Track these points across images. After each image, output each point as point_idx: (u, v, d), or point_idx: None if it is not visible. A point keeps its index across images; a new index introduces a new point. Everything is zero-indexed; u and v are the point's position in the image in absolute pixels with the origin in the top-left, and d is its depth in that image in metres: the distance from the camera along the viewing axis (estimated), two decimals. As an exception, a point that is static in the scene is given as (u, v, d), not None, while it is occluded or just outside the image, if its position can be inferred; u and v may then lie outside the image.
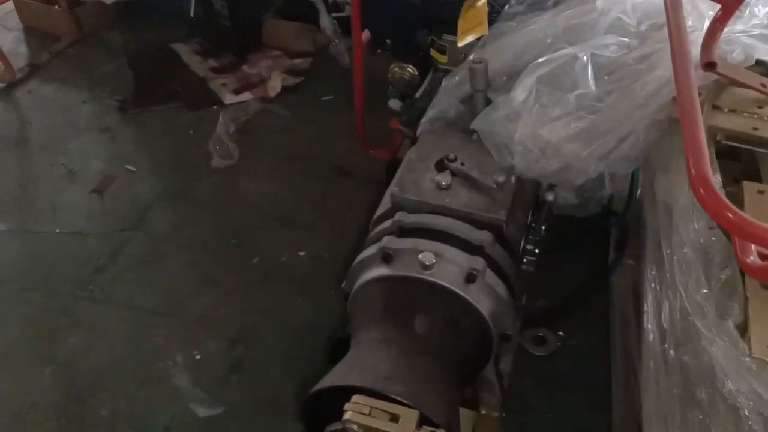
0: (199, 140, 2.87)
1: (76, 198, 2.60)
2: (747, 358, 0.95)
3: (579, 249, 2.05)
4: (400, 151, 2.35)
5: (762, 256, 0.96)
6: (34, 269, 2.31)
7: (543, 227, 1.74)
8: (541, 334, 1.89)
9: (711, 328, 1.03)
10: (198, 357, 2.01)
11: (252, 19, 3.48)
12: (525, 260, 1.66)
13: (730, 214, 0.89)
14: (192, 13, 3.30)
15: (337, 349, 1.56)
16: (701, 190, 0.92)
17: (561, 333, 1.94)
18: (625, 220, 1.93)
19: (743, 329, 1.02)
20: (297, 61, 3.42)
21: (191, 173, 2.72)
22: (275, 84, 3.23)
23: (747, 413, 0.94)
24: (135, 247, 2.38)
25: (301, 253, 2.34)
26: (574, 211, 1.82)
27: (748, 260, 0.97)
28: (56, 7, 3.53)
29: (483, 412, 1.55)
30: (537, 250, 1.68)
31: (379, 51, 2.78)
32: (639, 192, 1.83)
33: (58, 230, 2.45)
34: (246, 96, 3.18)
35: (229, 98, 3.16)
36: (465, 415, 1.53)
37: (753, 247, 0.97)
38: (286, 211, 2.53)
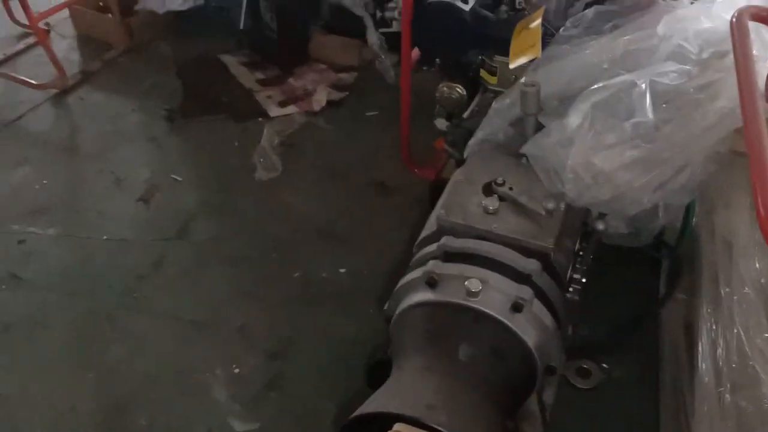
0: (244, 152, 2.89)
1: (123, 206, 2.63)
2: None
3: (628, 280, 1.99)
4: (444, 171, 2.34)
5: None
6: (80, 275, 2.34)
7: (591, 256, 1.70)
8: (585, 366, 1.84)
9: (774, 376, 0.98)
10: (237, 371, 2.00)
11: (299, 33, 3.51)
12: (571, 289, 1.62)
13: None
14: (242, 25, 3.34)
15: (376, 371, 1.54)
16: (769, 228, 0.88)
17: (605, 365, 1.89)
18: (677, 252, 1.87)
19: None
20: (342, 75, 3.43)
21: (235, 184, 2.74)
22: (320, 98, 3.24)
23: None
24: (178, 257, 2.40)
25: (342, 270, 2.33)
26: (624, 241, 1.77)
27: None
28: (110, 15, 3.60)
29: (524, 445, 1.52)
30: (584, 280, 1.65)
31: (425, 68, 2.78)
32: (694, 224, 1.78)
33: (104, 237, 2.49)
34: (291, 109, 3.20)
35: (274, 111, 3.18)
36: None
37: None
38: (328, 225, 2.52)
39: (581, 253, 1.68)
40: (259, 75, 3.44)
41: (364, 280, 2.28)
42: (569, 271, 1.61)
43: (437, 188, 1.90)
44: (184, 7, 3.59)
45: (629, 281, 2.00)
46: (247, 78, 3.42)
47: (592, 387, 1.81)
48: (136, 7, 3.65)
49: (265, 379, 1.98)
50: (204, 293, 2.26)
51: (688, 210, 1.77)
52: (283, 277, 2.30)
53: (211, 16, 3.64)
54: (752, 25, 1.39)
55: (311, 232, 2.49)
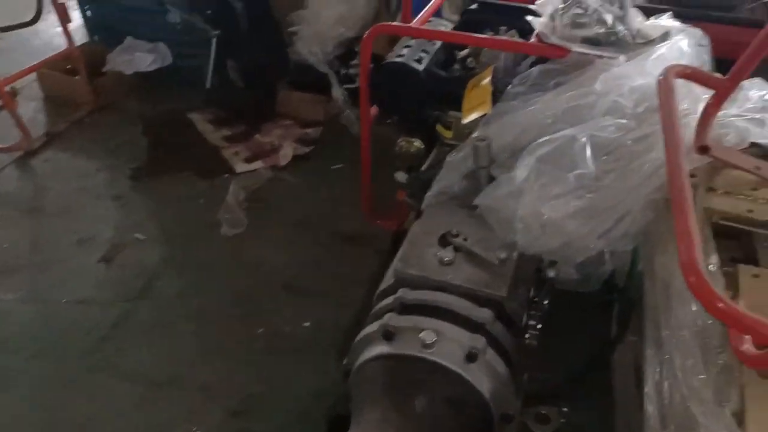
0: (209, 208, 2.92)
1: (85, 266, 2.63)
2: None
3: (583, 324, 2.04)
4: (406, 222, 2.39)
5: (756, 345, 0.96)
6: (43, 338, 2.33)
7: (545, 302, 1.75)
8: (544, 412, 1.86)
9: (708, 416, 1.02)
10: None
11: (266, 90, 3.60)
12: (528, 335, 1.66)
13: (720, 305, 0.90)
14: (208, 84, 3.41)
15: (336, 426, 1.55)
16: (692, 278, 0.93)
17: (565, 409, 1.91)
18: (627, 295, 1.92)
19: (740, 417, 1.02)
20: (308, 130, 3.51)
21: (200, 241, 2.76)
22: (286, 153, 3.31)
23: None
24: (140, 316, 2.40)
25: (305, 324, 2.35)
26: (576, 286, 1.82)
27: (742, 348, 0.97)
28: (77, 77, 3.65)
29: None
30: (539, 325, 1.69)
31: (388, 121, 2.86)
32: (640, 267, 1.83)
33: (66, 299, 2.48)
34: (257, 164, 3.25)
35: (240, 167, 3.23)
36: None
37: (747, 336, 0.97)
38: (293, 279, 2.55)
39: (535, 299, 1.72)
40: (226, 132, 3.50)
41: (327, 333, 2.30)
42: (524, 318, 1.65)
43: (399, 238, 1.95)
44: (152, 68, 3.67)
45: (584, 325, 2.04)
46: (213, 135, 3.48)
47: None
48: (104, 69, 3.71)
49: (227, 438, 1.98)
50: (167, 352, 2.26)
51: (635, 254, 1.83)
52: (247, 332, 2.31)
53: (178, 75, 3.73)
54: (683, 81, 1.48)
55: (276, 286, 2.51)
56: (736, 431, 0.98)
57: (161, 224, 2.89)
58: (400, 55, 2.06)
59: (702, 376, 1.11)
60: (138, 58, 3.70)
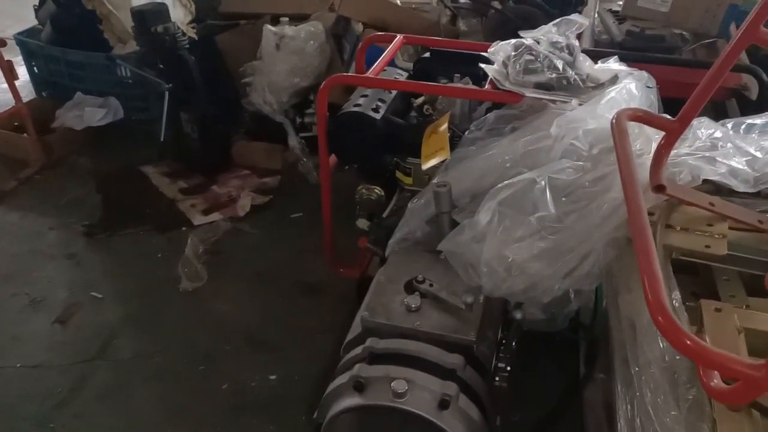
0: (168, 263, 2.86)
1: (39, 329, 2.54)
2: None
3: (552, 364, 2.05)
4: (369, 269, 2.39)
5: (725, 380, 0.98)
6: (-6, 407, 2.23)
7: (513, 343, 1.75)
8: (517, 454, 1.86)
9: (683, 453, 1.03)
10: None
11: (221, 141, 3.58)
12: (498, 378, 1.66)
13: (688, 342, 0.92)
14: (162, 137, 3.37)
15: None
16: (659, 318, 0.95)
17: (538, 451, 1.91)
18: (592, 333, 1.95)
19: (715, 452, 1.03)
20: (266, 179, 3.49)
21: (159, 298, 2.69)
22: (244, 203, 3.28)
23: None
24: (99, 379, 2.31)
25: (272, 377, 2.30)
26: (543, 327, 1.84)
27: (711, 384, 0.99)
28: (25, 135, 3.58)
29: None
30: (509, 367, 1.69)
31: (347, 168, 2.87)
32: (604, 306, 1.86)
33: (19, 364, 2.38)
34: (215, 216, 3.21)
35: (198, 219, 3.19)
36: None
37: (715, 371, 0.99)
38: (256, 332, 2.50)
39: (504, 341, 1.72)
40: (182, 184, 3.46)
41: (295, 386, 2.25)
42: (494, 361, 1.65)
43: (363, 286, 1.94)
44: (103, 122, 3.63)
45: (553, 365, 2.06)
46: (169, 188, 3.44)
47: (527, 475, 1.83)
48: (54, 125, 3.66)
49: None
50: (127, 416, 2.17)
51: (597, 292, 1.86)
52: (212, 389, 2.25)
53: (131, 129, 3.69)
54: (635, 123, 1.54)
55: (240, 341, 2.46)
56: (712, 467, 0.99)
57: (118, 281, 2.81)
58: (357, 105, 2.08)
59: (674, 413, 1.12)
60: (88, 113, 3.66)
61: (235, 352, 2.41)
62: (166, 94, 3.28)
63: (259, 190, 3.41)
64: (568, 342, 1.99)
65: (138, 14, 3.16)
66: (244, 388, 2.26)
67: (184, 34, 3.33)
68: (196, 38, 3.54)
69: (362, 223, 2.26)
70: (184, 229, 3.11)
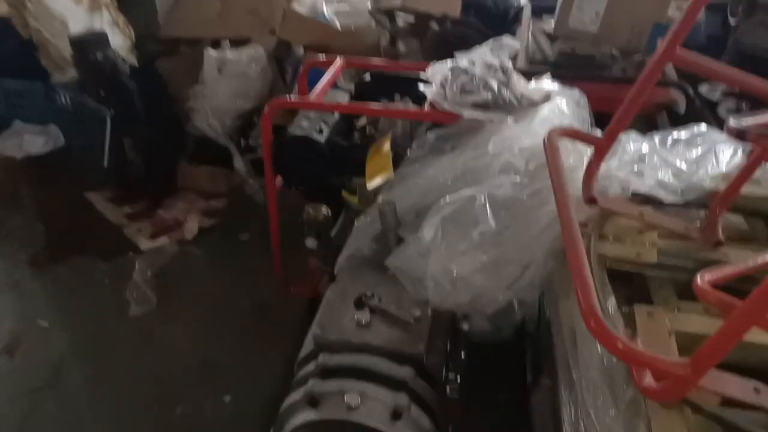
0: (116, 289, 2.83)
1: (-15, 362, 2.48)
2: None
3: (500, 373, 2.12)
4: (320, 287, 2.42)
5: (656, 379, 1.06)
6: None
7: (462, 355, 1.81)
8: (470, 463, 1.91)
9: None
10: None
11: (166, 165, 3.56)
12: (449, 389, 1.71)
13: (619, 345, 0.99)
14: (105, 163, 3.34)
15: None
16: (591, 322, 1.02)
17: (491, 458, 1.97)
18: (537, 340, 2.02)
19: (650, 446, 1.10)
20: (212, 202, 3.49)
21: (107, 324, 2.66)
22: (191, 226, 3.26)
23: None
24: (49, 408, 2.27)
25: (226, 398, 2.30)
26: (489, 337, 1.90)
27: (644, 384, 1.06)
28: (-39, 165, 3.50)
29: None
30: (459, 378, 1.75)
31: (292, 188, 2.90)
32: (547, 315, 1.94)
33: (-37, 399, 2.32)
34: (162, 240, 3.19)
35: (145, 244, 3.16)
36: None
37: (647, 370, 1.07)
38: (209, 355, 2.50)
39: (453, 352, 1.78)
40: (127, 209, 3.42)
41: (250, 405, 2.26)
42: (444, 372, 1.71)
43: (315, 304, 1.97)
44: (44, 150, 3.58)
45: (501, 374, 2.12)
46: (114, 213, 3.39)
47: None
48: (-9, 154, 3.58)
49: None
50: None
51: (541, 302, 1.94)
52: (166, 414, 2.24)
53: (72, 156, 3.64)
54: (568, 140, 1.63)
55: (191, 364, 2.45)
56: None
57: (65, 309, 2.76)
58: (301, 127, 2.12)
59: (612, 412, 1.19)
60: (27, 141, 3.60)
61: (188, 375, 2.40)
62: (108, 120, 3.25)
63: (206, 213, 3.40)
64: (513, 351, 2.06)
65: (77, 42, 3.13)
66: (198, 411, 2.25)
67: (124, 60, 3.32)
68: (137, 64, 3.52)
69: (311, 243, 2.29)
70: (130, 254, 3.08)
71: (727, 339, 0.93)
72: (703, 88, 2.82)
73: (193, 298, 2.81)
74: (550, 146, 1.44)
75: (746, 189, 1.54)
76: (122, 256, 3.07)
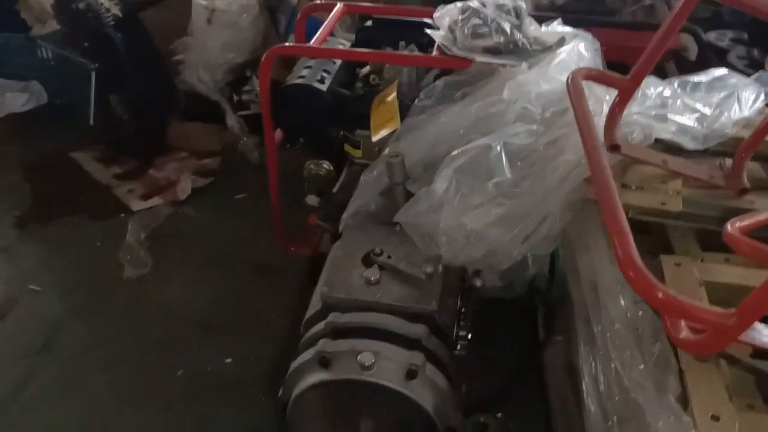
0: (109, 251, 2.75)
1: (-23, 325, 2.41)
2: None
3: (511, 330, 2.08)
4: (320, 246, 2.35)
5: (693, 331, 1.00)
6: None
7: (473, 312, 1.76)
8: (482, 420, 1.87)
9: (653, 404, 1.05)
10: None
11: (155, 123, 3.44)
12: (459, 346, 1.66)
13: (660, 295, 0.92)
14: (91, 120, 3.22)
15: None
16: (630, 272, 0.95)
17: (500, 415, 1.93)
18: (549, 297, 1.97)
19: (683, 402, 1.05)
20: (205, 161, 3.39)
21: (102, 287, 2.59)
22: (185, 186, 3.17)
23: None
24: (46, 373, 2.21)
25: (228, 360, 2.25)
26: (501, 294, 1.84)
27: (680, 336, 1.00)
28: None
29: None
30: (469, 335, 1.70)
31: (289, 146, 2.81)
32: (561, 269, 1.89)
33: (-43, 365, 2.26)
34: (155, 201, 3.10)
35: (136, 204, 3.07)
36: None
37: (683, 322, 1.01)
38: (208, 316, 2.44)
39: (463, 310, 1.73)
40: (116, 169, 3.33)
41: (252, 367, 2.21)
42: (455, 329, 1.65)
43: (315, 264, 1.91)
44: (26, 108, 3.46)
45: (512, 331, 2.08)
46: (103, 174, 3.30)
47: (492, 439, 1.85)
48: (-28, 114, 3.45)
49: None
50: (78, 408, 2.09)
51: (553, 257, 1.88)
52: (166, 377, 2.19)
53: (57, 114, 3.51)
54: (585, 83, 1.54)
55: (191, 326, 2.39)
56: (683, 414, 1.01)
57: (57, 273, 2.69)
58: (302, 77, 2.03)
59: (641, 366, 1.14)
60: (9, 98, 3.47)
61: (188, 337, 2.35)
62: (93, 74, 3.13)
63: (200, 173, 3.30)
64: (526, 307, 2.01)
65: (58, -9, 2.99)
66: (199, 373, 2.20)
67: (108, 10, 3.17)
68: (120, 15, 3.37)
69: (312, 200, 2.22)
70: (122, 215, 3.00)
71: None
72: (711, 35, 2.74)
73: (189, 260, 2.74)
74: (574, 88, 1.35)
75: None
76: (113, 218, 2.99)
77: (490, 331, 1.82)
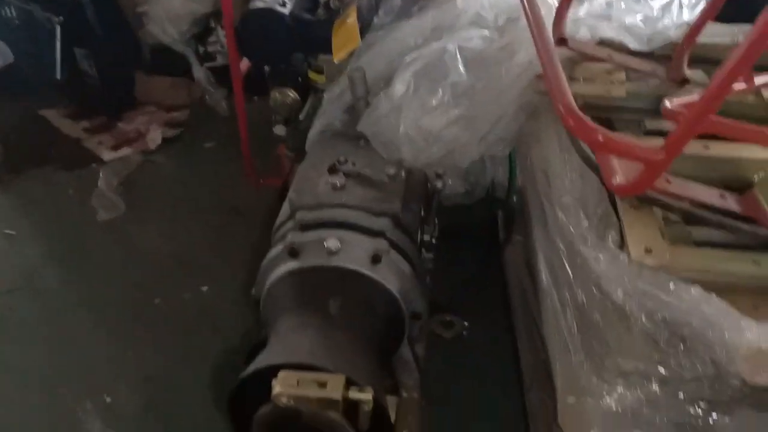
0: (81, 198, 2.80)
1: (-47, 266, 2.44)
2: (626, 263, 1.07)
3: (473, 236, 2.17)
4: (290, 177, 2.41)
5: (628, 176, 1.09)
6: None
7: (435, 219, 1.85)
8: (448, 319, 1.98)
9: (594, 249, 1.14)
10: (109, 400, 1.92)
11: (122, 77, 3.46)
12: (423, 251, 1.75)
13: (599, 136, 1.02)
14: (58, 75, 3.23)
15: (255, 356, 1.56)
16: (570, 120, 1.04)
17: (466, 323, 2.03)
18: (508, 204, 2.07)
19: (621, 245, 1.15)
20: (174, 114, 3.43)
21: (78, 230, 2.64)
22: (155, 136, 3.21)
23: (635, 313, 1.04)
24: (25, 309, 2.26)
25: (204, 288, 2.32)
26: (462, 199, 1.94)
27: (615, 182, 1.10)
28: None
29: (404, 395, 1.59)
30: (433, 240, 1.78)
31: (256, 97, 2.86)
32: (517, 176, 1.98)
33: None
34: (125, 151, 3.14)
35: (107, 155, 3.11)
36: (387, 401, 1.56)
37: (618, 170, 1.10)
38: (182, 253, 2.50)
39: (426, 215, 1.81)
40: (85, 124, 3.35)
41: (228, 291, 2.28)
42: (420, 234, 1.74)
43: (285, 191, 1.98)
44: (-8, 67, 3.44)
45: (474, 237, 2.18)
46: (72, 128, 3.32)
47: (456, 335, 1.95)
48: (-64, 75, 3.42)
49: (142, 403, 1.92)
50: (60, 339, 2.14)
51: (511, 164, 1.98)
52: (144, 306, 2.24)
53: (23, 72, 3.50)
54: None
55: (166, 262, 2.45)
56: (619, 253, 1.11)
57: (31, 218, 2.72)
58: (263, 1, 2.07)
59: (585, 224, 1.23)
60: (-25, 60, 3.46)
61: (164, 271, 2.40)
62: (58, 28, 3.13)
63: (168, 125, 3.34)
64: (487, 214, 2.11)
65: (18, -58, 2.98)
66: (176, 301, 2.26)
67: (68, -40, 3.16)
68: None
69: (279, 129, 2.28)
70: (93, 165, 3.03)
71: (696, 119, 0.96)
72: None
73: (163, 203, 2.80)
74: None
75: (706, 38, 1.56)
76: (85, 168, 3.02)
77: (453, 235, 1.91)
